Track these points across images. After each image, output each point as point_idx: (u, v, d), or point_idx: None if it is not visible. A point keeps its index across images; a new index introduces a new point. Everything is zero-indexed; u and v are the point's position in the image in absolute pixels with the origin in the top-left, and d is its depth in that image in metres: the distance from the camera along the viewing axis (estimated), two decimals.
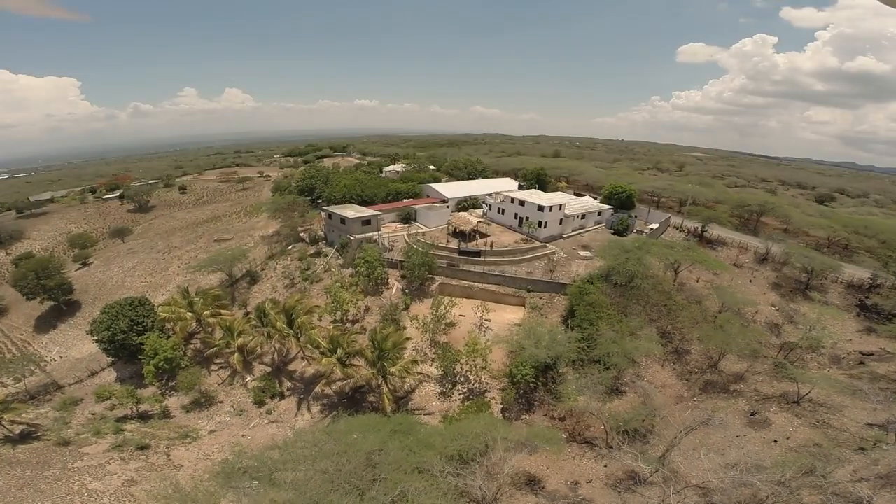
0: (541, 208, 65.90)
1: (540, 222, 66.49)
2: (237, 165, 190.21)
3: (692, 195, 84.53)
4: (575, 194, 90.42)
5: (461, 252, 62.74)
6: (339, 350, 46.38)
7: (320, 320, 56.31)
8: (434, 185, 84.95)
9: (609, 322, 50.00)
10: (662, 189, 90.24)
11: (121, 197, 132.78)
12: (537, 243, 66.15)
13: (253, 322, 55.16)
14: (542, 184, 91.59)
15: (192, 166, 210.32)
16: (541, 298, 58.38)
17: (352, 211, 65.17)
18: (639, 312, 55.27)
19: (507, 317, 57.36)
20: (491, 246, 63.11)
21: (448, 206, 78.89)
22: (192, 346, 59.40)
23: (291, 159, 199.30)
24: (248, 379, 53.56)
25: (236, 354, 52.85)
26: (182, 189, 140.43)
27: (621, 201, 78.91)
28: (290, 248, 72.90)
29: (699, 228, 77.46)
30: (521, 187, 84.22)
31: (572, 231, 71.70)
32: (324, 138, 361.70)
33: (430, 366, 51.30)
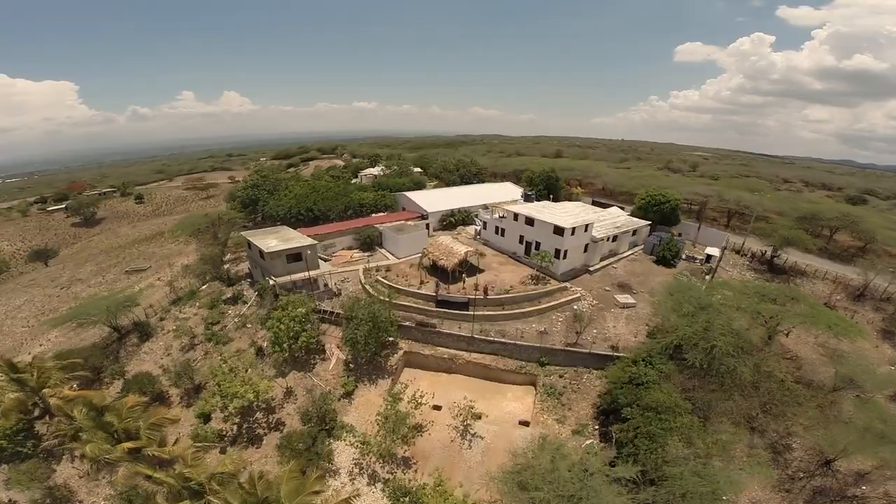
0: (559, 231, 41.99)
1: (557, 251, 42.61)
2: (214, 170, 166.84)
3: (754, 206, 60.07)
4: (594, 203, 66.46)
5: (440, 302, 39.00)
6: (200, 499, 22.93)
7: (206, 422, 33.05)
8: (410, 195, 60.75)
9: (684, 434, 26.74)
10: (707, 197, 65.92)
11: (66, 209, 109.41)
12: (553, 283, 42.33)
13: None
14: (553, 190, 67.59)
15: (175, 171, 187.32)
16: (562, 376, 35.30)
17: (275, 240, 41.33)
18: (729, 410, 31.77)
19: (507, 407, 34.47)
20: (485, 292, 39.28)
21: (428, 224, 55.02)
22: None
23: (276, 162, 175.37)
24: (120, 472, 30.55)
25: (86, 449, 29.93)
26: (139, 199, 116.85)
27: (662, 215, 54.79)
28: (204, 287, 49.33)
29: (768, 253, 53.56)
30: (528, 198, 59.80)
31: (601, 261, 47.74)
32: (322, 140, 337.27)
33: (380, 495, 28.53)
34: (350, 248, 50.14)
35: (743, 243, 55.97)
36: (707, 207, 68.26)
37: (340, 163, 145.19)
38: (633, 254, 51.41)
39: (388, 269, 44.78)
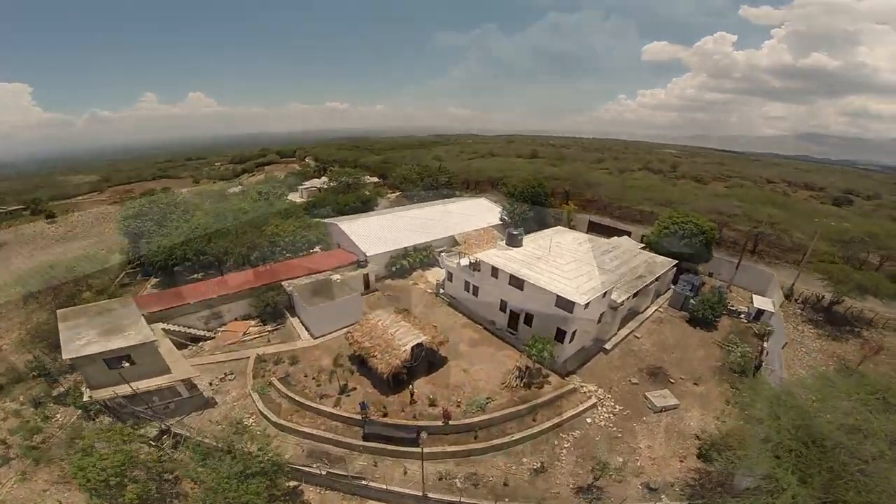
0: (567, 306, 25.03)
1: (561, 333, 25.77)
2: (156, 178, 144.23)
3: (813, 232, 43.82)
4: (592, 227, 49.98)
5: (368, 434, 21.73)
6: None
7: None
8: (345, 225, 41.95)
9: None
10: (730, 216, 50.06)
11: None
12: (554, 382, 25.58)
13: None
14: (541, 207, 50.46)
15: (123, 177, 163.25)
16: None
17: (94, 328, 23.09)
18: None
19: None
20: (446, 417, 22.19)
21: (367, 274, 37.19)
22: None
23: (230, 167, 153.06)
24: None
25: None
26: (50, 217, 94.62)
27: (694, 249, 38.57)
28: (33, 374, 30.92)
29: (826, 298, 38.21)
30: (512, 238, 37.21)
31: (617, 331, 31.20)
32: (292, 142, 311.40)
33: None
34: (248, 318, 32.07)
35: (792, 284, 40.46)
36: (725, 226, 52.50)
37: (298, 168, 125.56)
38: (658, 310, 35.12)
39: (293, 358, 26.99)
